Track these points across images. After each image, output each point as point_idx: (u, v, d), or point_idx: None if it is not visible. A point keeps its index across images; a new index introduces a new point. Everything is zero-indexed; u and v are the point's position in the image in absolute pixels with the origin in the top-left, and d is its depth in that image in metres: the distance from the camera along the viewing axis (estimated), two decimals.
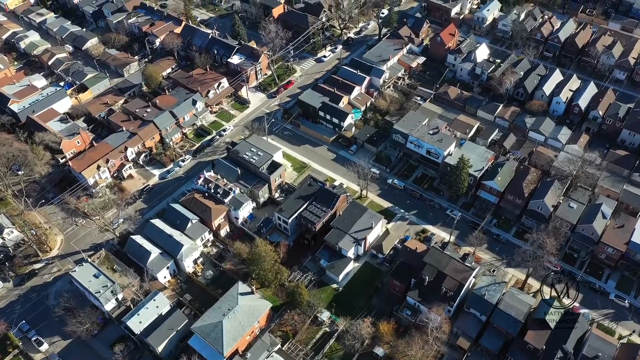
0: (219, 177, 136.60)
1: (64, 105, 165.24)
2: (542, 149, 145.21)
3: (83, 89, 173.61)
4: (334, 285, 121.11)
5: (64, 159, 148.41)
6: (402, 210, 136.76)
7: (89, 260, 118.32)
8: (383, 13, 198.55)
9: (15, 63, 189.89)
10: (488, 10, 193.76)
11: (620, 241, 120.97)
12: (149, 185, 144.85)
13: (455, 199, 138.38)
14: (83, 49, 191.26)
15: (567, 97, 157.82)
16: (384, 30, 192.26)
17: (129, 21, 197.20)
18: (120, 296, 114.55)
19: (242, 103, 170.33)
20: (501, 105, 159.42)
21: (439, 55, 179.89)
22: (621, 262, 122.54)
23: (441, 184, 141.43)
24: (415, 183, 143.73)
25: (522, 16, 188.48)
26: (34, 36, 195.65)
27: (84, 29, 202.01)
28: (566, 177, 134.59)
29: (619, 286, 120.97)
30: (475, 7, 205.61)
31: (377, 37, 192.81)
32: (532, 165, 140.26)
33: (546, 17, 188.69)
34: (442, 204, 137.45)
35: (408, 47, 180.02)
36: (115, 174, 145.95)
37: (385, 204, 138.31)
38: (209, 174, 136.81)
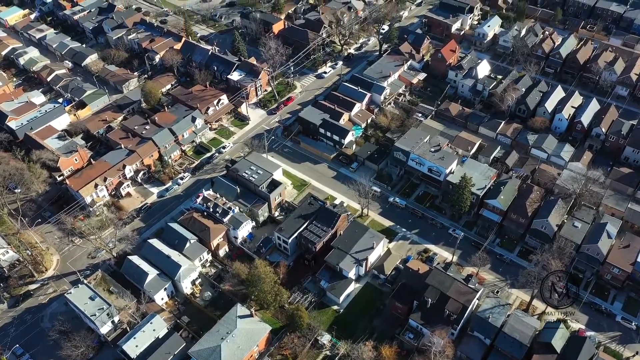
0: (218, 195, 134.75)
1: (62, 122, 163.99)
2: (545, 167, 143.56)
3: (82, 105, 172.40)
4: (335, 307, 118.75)
5: (61, 177, 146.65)
6: (403, 230, 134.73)
7: (85, 282, 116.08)
8: (383, 29, 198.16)
9: (14, 79, 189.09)
10: (489, 26, 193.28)
11: (626, 261, 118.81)
12: (147, 203, 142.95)
13: (458, 217, 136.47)
14: (82, 65, 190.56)
15: (570, 114, 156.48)
16: (385, 46, 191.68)
17: (129, 37, 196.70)
18: (116, 319, 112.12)
19: (242, 120, 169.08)
20: (503, 122, 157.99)
21: (439, 72, 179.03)
22: (627, 283, 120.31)
23: (443, 203, 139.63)
24: (416, 201, 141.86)
25: (523, 32, 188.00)
26: (33, 52, 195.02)
27: (84, 45, 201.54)
28: (570, 196, 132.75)
29: (626, 307, 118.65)
30: (475, 23, 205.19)
31: (377, 53, 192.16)
32: (535, 183, 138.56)
33: (547, 33, 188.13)
34: (444, 223, 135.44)
35: (409, 63, 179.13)
36: (113, 192, 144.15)
37: (387, 223, 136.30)
38: (208, 193, 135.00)
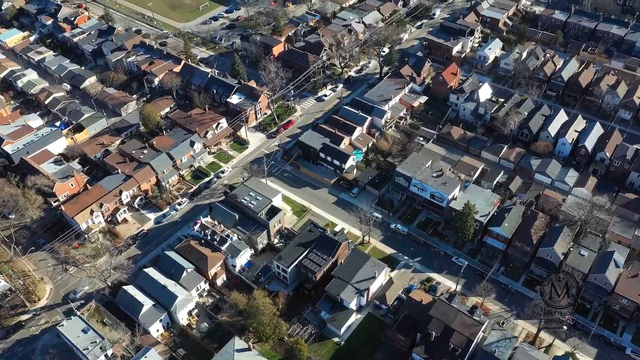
0: (216, 222, 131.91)
1: (59, 146, 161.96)
2: (549, 193, 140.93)
3: (79, 128, 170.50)
4: (336, 339, 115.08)
5: (56, 203, 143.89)
6: (406, 257, 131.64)
7: (78, 313, 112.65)
8: (384, 51, 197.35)
9: (12, 102, 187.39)
10: (490, 49, 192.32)
11: (635, 291, 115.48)
12: (143, 230, 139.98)
13: (461, 245, 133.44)
14: (81, 87, 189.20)
15: (573, 138, 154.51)
16: (385, 68, 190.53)
17: (128, 60, 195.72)
18: (109, 352, 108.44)
19: (241, 143, 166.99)
20: (506, 147, 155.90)
21: (441, 95, 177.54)
22: (637, 314, 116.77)
23: (446, 229, 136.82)
24: (419, 228, 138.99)
25: (524, 55, 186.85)
26: (31, 75, 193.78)
27: (83, 68, 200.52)
28: (575, 223, 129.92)
29: (636, 340, 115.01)
30: (476, 45, 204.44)
31: (378, 76, 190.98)
32: (540, 209, 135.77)
33: (548, 55, 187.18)
34: (447, 251, 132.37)
35: (410, 86, 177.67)
36: (109, 218, 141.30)
37: (389, 251, 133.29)
38: (206, 220, 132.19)
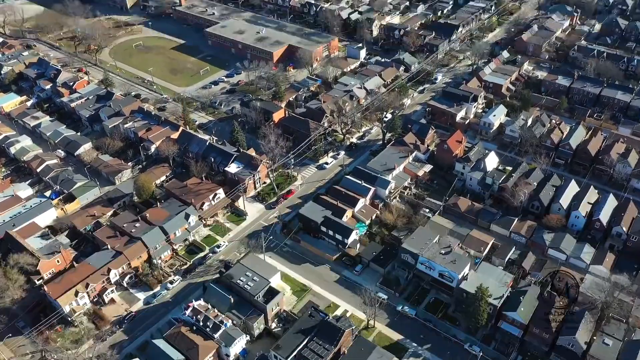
0: (209, 306, 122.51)
1: (48, 217, 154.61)
2: (565, 271, 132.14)
3: (70, 198, 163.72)
4: None
5: (40, 280, 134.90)
6: (414, 344, 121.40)
7: None
8: (386, 117, 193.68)
9: (3, 169, 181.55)
10: (494, 115, 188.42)
11: None
12: (131, 312, 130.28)
13: (474, 330, 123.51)
14: (75, 154, 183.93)
15: (587, 211, 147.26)
16: (388, 135, 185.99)
17: (125, 126, 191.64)
18: None
19: (239, 215, 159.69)
20: (516, 219, 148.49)
21: (446, 163, 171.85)
22: None
23: (457, 312, 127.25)
24: (427, 310, 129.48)
25: (530, 121, 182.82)
26: (25, 141, 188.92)
27: (79, 133, 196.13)
28: (596, 307, 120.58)
29: None
30: (480, 111, 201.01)
31: (380, 142, 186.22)
32: (556, 289, 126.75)
33: (554, 122, 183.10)
34: (459, 337, 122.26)
35: (414, 154, 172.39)
36: (95, 299, 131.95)
37: (396, 336, 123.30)
38: (198, 303, 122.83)
